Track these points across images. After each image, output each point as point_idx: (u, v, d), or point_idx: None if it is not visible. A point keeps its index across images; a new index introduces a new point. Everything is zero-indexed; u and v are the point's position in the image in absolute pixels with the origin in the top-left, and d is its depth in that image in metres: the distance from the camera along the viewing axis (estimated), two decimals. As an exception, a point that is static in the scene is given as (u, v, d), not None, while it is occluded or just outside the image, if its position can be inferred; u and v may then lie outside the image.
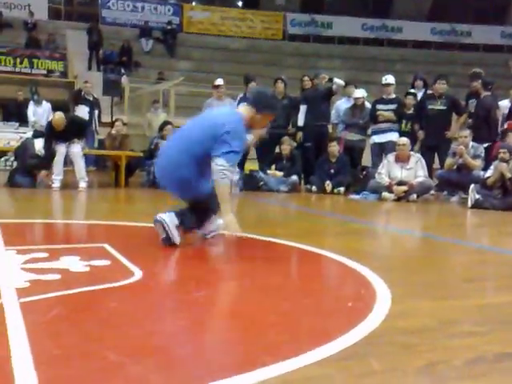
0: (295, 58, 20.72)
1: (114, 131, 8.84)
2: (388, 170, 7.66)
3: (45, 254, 2.92)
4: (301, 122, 8.87)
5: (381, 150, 8.61)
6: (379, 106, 8.73)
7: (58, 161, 7.42)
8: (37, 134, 8.41)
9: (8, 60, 16.52)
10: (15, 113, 12.36)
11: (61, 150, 7.43)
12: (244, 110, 3.35)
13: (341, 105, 9.53)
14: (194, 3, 23.24)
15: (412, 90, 9.14)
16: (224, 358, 1.65)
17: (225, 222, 2.97)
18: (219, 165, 3.05)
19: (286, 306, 2.18)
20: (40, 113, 11.59)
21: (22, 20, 18.39)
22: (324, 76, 9.19)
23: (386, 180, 7.56)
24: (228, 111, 3.48)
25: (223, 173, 3.05)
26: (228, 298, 2.44)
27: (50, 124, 7.64)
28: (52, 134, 7.47)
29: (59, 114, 7.47)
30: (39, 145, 7.65)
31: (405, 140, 7.73)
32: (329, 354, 1.62)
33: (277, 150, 8.87)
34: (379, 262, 3.21)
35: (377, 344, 1.74)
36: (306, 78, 9.49)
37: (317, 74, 9.37)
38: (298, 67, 18.07)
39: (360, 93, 9.04)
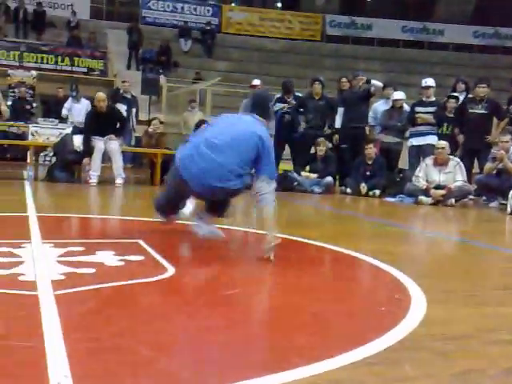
0: (333, 60, 20.59)
1: (150, 129, 8.91)
2: (426, 174, 7.53)
3: (81, 248, 2.97)
4: (338, 124, 8.81)
5: (419, 152, 8.47)
6: (418, 109, 8.60)
7: (96, 157, 7.53)
8: (76, 131, 8.57)
9: (50, 58, 16.86)
10: (55, 110, 12.55)
11: (99, 146, 7.55)
12: (261, 121, 3.28)
13: (379, 107, 9.42)
14: (233, 4, 23.33)
15: (454, 94, 8.97)
16: (253, 356, 1.64)
17: (272, 238, 2.99)
18: (269, 191, 3.09)
19: (318, 308, 2.16)
20: (77, 109, 11.75)
21: (65, 19, 18.72)
22: (362, 77, 9.12)
23: (423, 183, 7.44)
24: (256, 122, 3.29)
25: (271, 197, 3.09)
26: (259, 298, 2.43)
27: (89, 113, 7.86)
28: (92, 123, 7.61)
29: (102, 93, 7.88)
30: (78, 141, 7.79)
31: (444, 143, 7.58)
32: (360, 358, 1.59)
33: (312, 150, 8.81)
34: (415, 267, 3.16)
35: (410, 349, 1.71)
36: (343, 80, 9.42)
37: (355, 75, 9.30)
38: (336, 69, 17.96)
39: (400, 95, 8.93)
